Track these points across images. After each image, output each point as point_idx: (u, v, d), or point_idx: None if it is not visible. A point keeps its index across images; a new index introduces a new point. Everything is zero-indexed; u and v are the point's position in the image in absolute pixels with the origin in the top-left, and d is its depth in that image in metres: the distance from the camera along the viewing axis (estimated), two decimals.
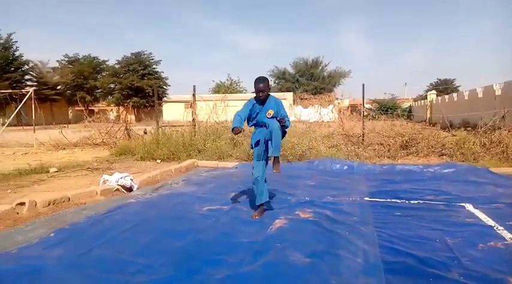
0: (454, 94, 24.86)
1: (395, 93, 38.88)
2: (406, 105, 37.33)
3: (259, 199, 4.36)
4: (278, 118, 4.13)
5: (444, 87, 47.06)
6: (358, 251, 3.24)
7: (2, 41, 37.68)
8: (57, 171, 7.49)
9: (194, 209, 4.68)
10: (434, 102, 29.01)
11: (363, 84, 11.24)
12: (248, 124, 4.45)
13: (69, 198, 4.88)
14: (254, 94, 4.30)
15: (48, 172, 7.42)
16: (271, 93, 4.36)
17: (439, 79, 52.69)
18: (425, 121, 23.06)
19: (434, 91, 32.71)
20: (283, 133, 4.33)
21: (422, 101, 34.66)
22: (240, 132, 4.14)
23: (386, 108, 27.04)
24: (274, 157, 4.28)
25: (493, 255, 3.13)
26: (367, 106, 26.02)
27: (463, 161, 8.18)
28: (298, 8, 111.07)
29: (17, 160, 9.54)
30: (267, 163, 4.45)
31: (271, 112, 4.22)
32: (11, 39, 38.12)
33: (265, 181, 4.39)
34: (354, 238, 3.58)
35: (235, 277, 2.75)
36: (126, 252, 3.26)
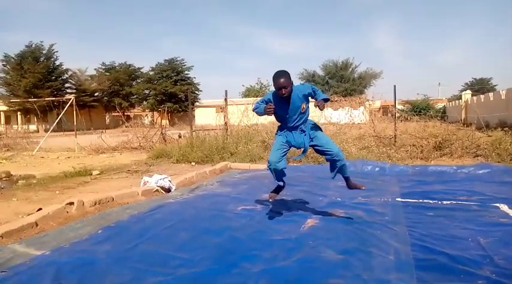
0: (491, 94, 24.04)
1: (429, 94, 38.00)
2: (439, 105, 36.38)
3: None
4: (317, 102, 3.62)
5: (480, 86, 45.43)
6: (390, 249, 3.33)
7: (44, 52, 39.70)
8: (99, 174, 7.94)
9: (229, 208, 4.89)
10: (469, 102, 28.14)
11: (394, 85, 11.19)
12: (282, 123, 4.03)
13: (113, 198, 5.22)
14: None
15: (91, 174, 7.88)
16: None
17: (475, 79, 51.04)
18: (459, 122, 22.44)
19: (469, 91, 31.72)
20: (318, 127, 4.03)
21: (457, 101, 33.68)
22: (272, 109, 3.65)
23: (419, 109, 26.53)
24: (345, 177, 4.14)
25: None
26: (399, 107, 25.61)
27: (498, 162, 8.01)
28: (327, 10, 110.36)
29: (61, 164, 10.14)
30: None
31: (304, 106, 3.75)
32: (53, 50, 40.11)
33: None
34: (385, 236, 3.67)
35: (271, 271, 2.92)
36: (168, 248, 3.50)
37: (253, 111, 3.99)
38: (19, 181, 7.28)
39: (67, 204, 4.75)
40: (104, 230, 4.07)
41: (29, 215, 4.50)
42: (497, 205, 4.69)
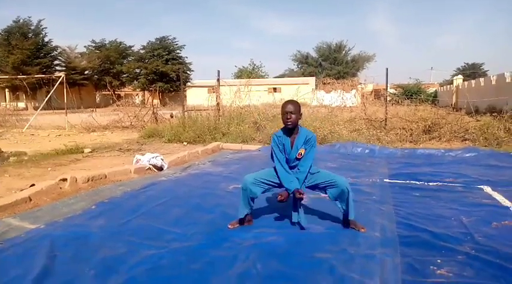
0: (481, 79, 24.20)
1: (421, 78, 38.22)
2: (431, 90, 36.59)
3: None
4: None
5: (472, 71, 45.76)
6: (376, 226, 3.46)
7: (32, 28, 38.79)
8: (91, 152, 7.95)
9: (221, 187, 4.98)
10: (460, 87, 28.33)
11: (387, 69, 11.23)
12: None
13: (105, 175, 5.27)
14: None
15: (83, 152, 7.89)
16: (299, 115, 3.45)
17: (467, 64, 51.33)
18: (450, 106, 22.67)
19: (460, 76, 31.89)
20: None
21: (448, 86, 33.89)
22: (302, 197, 3.29)
23: (411, 93, 26.63)
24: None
25: (506, 232, 3.28)
26: (391, 91, 25.74)
27: (485, 146, 8.19)
28: None
29: (52, 142, 10.10)
30: None
31: (302, 151, 3.38)
32: (41, 26, 39.16)
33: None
34: (372, 215, 3.80)
35: (261, 245, 3.02)
36: (161, 223, 3.58)
37: (277, 169, 3.45)
38: (10, 158, 7.27)
39: (60, 180, 4.79)
40: (98, 205, 4.14)
41: (22, 190, 4.54)
42: (482, 187, 4.85)
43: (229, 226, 3.45)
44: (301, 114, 3.51)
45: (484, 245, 2.99)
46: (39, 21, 39.09)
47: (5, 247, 3.02)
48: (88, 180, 5.01)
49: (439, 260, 2.72)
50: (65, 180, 4.80)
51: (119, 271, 2.60)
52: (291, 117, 3.33)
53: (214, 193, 4.70)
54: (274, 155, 3.48)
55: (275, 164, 3.46)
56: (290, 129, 3.41)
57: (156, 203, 4.21)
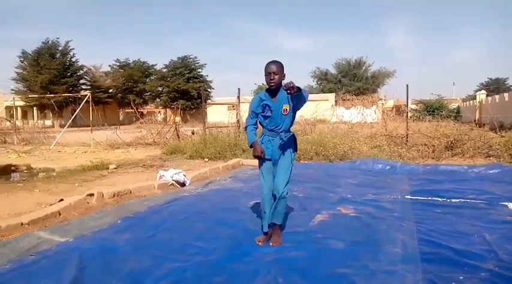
0: (506, 94, 23.73)
1: (443, 94, 37.51)
2: (453, 105, 35.99)
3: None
4: (291, 87, 2.94)
5: (495, 86, 44.84)
6: (397, 242, 3.46)
7: (60, 48, 40.41)
8: (115, 168, 8.19)
9: (242, 203, 5.06)
10: (483, 102, 27.82)
11: (407, 85, 11.24)
12: (263, 126, 3.52)
13: (130, 191, 5.44)
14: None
15: (108, 168, 8.13)
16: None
17: (490, 79, 50.35)
18: (473, 122, 22.26)
19: (483, 91, 31.34)
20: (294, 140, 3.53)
21: (471, 102, 33.29)
22: (262, 153, 3.36)
23: (433, 109, 26.27)
24: (273, 224, 3.44)
25: None
26: (412, 106, 25.46)
27: (510, 162, 8.02)
28: (341, 8, 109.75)
29: (78, 158, 10.43)
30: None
31: (286, 107, 3.33)
32: (69, 47, 40.77)
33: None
34: (393, 231, 3.79)
35: (282, 260, 3.07)
36: (184, 237, 3.68)
37: (245, 128, 3.51)
38: (39, 174, 7.56)
39: (87, 195, 4.98)
40: (123, 220, 4.27)
41: (51, 205, 4.73)
42: (506, 203, 4.77)
43: (259, 243, 3.44)
44: (284, 74, 3.40)
45: (508, 262, 2.95)
46: (67, 42, 40.75)
47: (37, 259, 3.17)
48: (114, 195, 5.18)
49: (461, 277, 2.71)
50: (91, 195, 4.98)
51: (145, 283, 2.69)
52: (274, 78, 3.28)
53: (235, 208, 4.79)
54: (250, 111, 3.47)
55: (249, 117, 3.47)
56: (274, 90, 3.37)
57: (179, 218, 4.32)
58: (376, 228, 3.90)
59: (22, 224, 3.98)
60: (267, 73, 3.31)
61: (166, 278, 2.77)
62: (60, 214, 4.40)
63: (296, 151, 3.62)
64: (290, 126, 3.49)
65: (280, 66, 3.35)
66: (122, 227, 4.02)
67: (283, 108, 3.33)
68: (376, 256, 3.14)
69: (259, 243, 3.45)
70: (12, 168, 7.76)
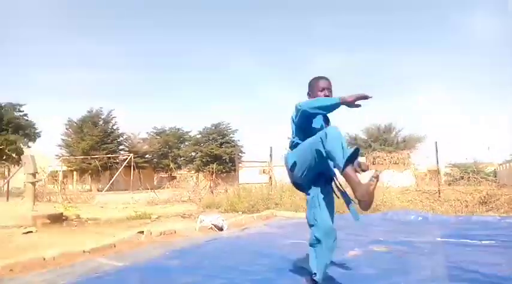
0: None
1: (478, 157, 36.77)
2: (489, 169, 35.05)
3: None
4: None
5: None
6: (427, 267, 3.70)
7: (103, 117, 43.46)
8: (157, 217, 8.71)
9: (278, 242, 5.39)
10: None
11: (436, 142, 11.55)
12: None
13: (175, 231, 5.91)
14: None
15: (150, 218, 8.66)
16: None
17: None
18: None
19: None
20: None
21: (508, 164, 32.45)
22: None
23: (468, 172, 25.67)
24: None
25: None
26: (446, 170, 25.15)
27: None
28: (368, 75, 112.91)
29: (121, 212, 11.06)
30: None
31: None
32: (111, 115, 43.86)
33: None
34: (424, 260, 4.04)
35: None
36: (228, 263, 4.07)
37: (302, 109, 2.71)
38: (88, 221, 8.17)
39: (138, 232, 5.48)
40: (171, 252, 4.70)
41: (107, 239, 5.24)
42: None
43: None
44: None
45: None
46: (110, 111, 43.88)
47: (101, 276, 3.62)
48: (160, 234, 5.65)
49: None
50: (141, 232, 5.47)
51: None
52: (329, 95, 2.89)
53: (272, 245, 5.13)
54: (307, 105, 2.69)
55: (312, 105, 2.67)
56: None
57: (222, 251, 4.72)
58: (408, 259, 4.15)
59: (84, 251, 4.49)
60: (322, 89, 2.92)
61: None
62: (115, 246, 4.89)
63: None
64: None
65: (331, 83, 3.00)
66: (172, 257, 4.45)
67: None
68: (407, 277, 3.40)
69: None
70: (63, 217, 8.41)
